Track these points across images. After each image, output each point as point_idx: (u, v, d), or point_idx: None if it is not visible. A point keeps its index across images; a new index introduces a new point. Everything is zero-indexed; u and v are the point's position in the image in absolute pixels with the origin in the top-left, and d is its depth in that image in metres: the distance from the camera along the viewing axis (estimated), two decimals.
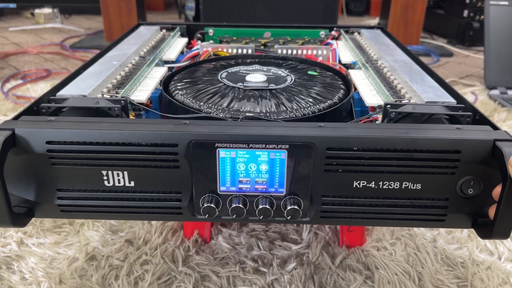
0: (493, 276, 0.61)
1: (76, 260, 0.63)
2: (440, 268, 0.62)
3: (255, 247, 0.66)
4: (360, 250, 0.65)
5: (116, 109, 0.49)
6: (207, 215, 0.45)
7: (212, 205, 0.44)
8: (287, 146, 0.42)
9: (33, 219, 0.70)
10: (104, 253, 0.64)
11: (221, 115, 0.51)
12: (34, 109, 0.50)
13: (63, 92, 0.53)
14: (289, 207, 0.44)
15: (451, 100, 0.53)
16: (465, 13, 1.81)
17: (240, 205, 0.45)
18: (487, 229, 0.43)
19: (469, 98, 1.27)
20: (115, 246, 0.65)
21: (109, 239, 0.67)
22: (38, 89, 1.26)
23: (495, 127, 0.45)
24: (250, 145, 0.43)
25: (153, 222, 0.70)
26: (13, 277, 0.60)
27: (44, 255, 0.64)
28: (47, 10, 2.11)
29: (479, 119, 0.49)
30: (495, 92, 1.28)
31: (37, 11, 2.12)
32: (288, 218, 0.45)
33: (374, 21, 2.31)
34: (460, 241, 0.67)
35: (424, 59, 1.67)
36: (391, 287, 0.59)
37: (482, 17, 1.76)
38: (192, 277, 0.60)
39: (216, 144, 0.43)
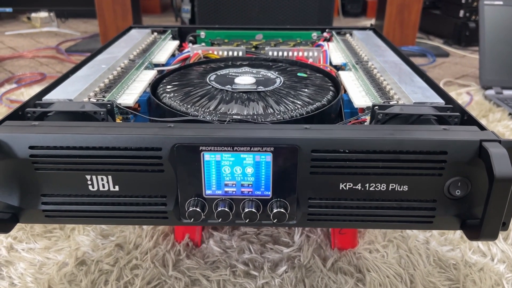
0: (485, 278, 0.60)
1: (66, 265, 0.62)
2: (432, 270, 0.62)
3: (246, 251, 0.65)
4: (352, 253, 0.65)
5: (101, 113, 0.49)
6: (192, 219, 0.44)
7: (198, 209, 0.44)
8: (272, 149, 0.42)
9: (23, 224, 0.70)
10: (94, 258, 0.63)
11: (208, 118, 0.51)
12: (19, 114, 0.49)
13: (49, 97, 0.53)
14: (275, 210, 0.44)
15: (440, 101, 0.52)
16: (461, 13, 1.81)
17: (226, 209, 0.44)
18: (475, 231, 0.42)
19: (465, 98, 1.26)
20: (105, 251, 0.65)
21: (99, 243, 0.66)
22: (33, 93, 1.25)
23: (482, 128, 0.44)
24: (235, 148, 0.42)
25: (144, 226, 0.69)
26: (2, 282, 0.59)
27: (34, 260, 0.63)
28: (43, 14, 2.11)
29: (467, 119, 0.49)
30: (491, 92, 1.28)
31: (33, 15, 2.12)
32: (275, 221, 0.44)
33: (371, 22, 2.30)
34: (452, 243, 0.67)
35: (420, 60, 1.67)
36: None
37: (477, 17, 1.76)
38: (182, 281, 0.59)
39: (201, 148, 0.42)
